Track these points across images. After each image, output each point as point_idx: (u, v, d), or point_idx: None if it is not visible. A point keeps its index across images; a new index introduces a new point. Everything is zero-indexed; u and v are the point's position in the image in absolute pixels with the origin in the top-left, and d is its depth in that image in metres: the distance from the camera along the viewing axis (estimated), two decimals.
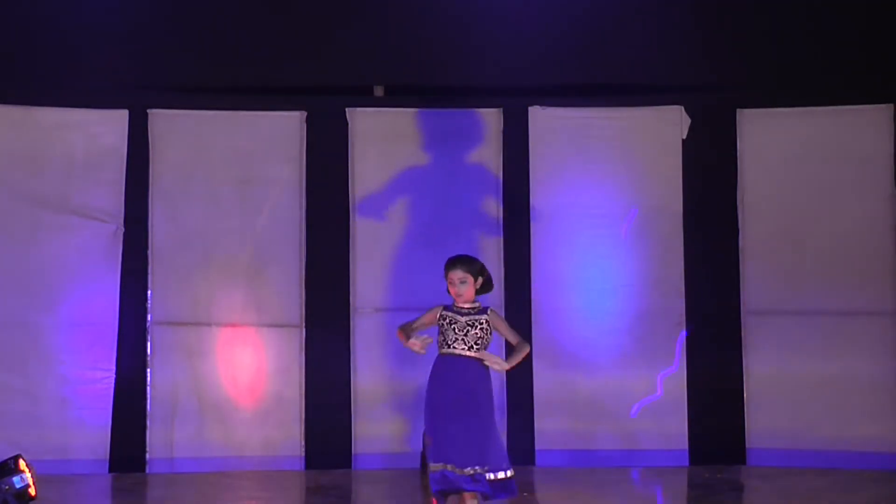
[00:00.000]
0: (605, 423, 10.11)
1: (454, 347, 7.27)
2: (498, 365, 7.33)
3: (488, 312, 7.37)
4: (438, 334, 7.35)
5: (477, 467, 7.12)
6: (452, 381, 7.24)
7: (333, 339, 10.11)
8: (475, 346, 7.27)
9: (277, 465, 10.00)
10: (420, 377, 10.02)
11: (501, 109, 10.34)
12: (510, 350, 7.43)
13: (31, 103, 10.03)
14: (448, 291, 7.39)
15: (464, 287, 7.34)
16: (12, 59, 9.94)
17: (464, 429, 7.13)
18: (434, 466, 7.16)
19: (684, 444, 10.07)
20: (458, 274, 7.38)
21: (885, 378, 9.93)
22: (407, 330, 7.38)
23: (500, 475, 7.21)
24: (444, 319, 7.32)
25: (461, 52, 10.26)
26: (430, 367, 7.32)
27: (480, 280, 7.43)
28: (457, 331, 7.28)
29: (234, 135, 10.23)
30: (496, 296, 10.16)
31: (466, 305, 7.34)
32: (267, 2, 10.26)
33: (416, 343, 7.23)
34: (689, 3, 10.25)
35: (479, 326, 7.26)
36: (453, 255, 7.52)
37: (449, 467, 7.11)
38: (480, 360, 7.28)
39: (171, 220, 10.14)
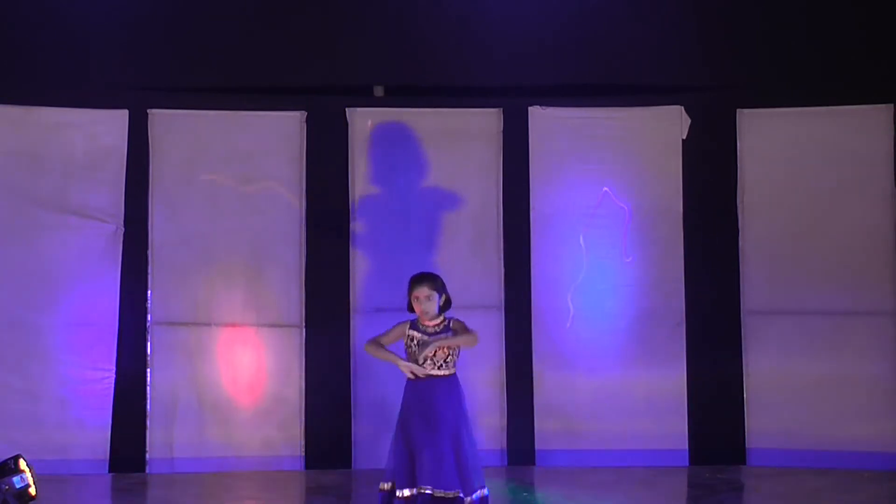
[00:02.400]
0: (605, 423, 10.10)
1: (424, 369, 7.30)
2: (412, 370, 7.32)
3: (451, 325, 7.39)
4: (406, 353, 7.38)
5: (459, 491, 7.15)
6: (425, 406, 7.27)
7: (333, 339, 10.11)
8: (444, 364, 7.32)
9: (277, 465, 10.00)
10: None
11: (501, 109, 10.34)
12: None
13: (31, 103, 10.02)
14: (411, 309, 7.41)
15: (429, 304, 7.35)
16: (12, 59, 9.95)
17: (439, 452, 7.17)
18: (405, 492, 7.18)
19: (684, 444, 10.07)
20: (423, 291, 7.38)
21: (885, 378, 9.93)
22: (377, 345, 7.40)
23: (476, 495, 7.24)
24: (412, 340, 7.35)
25: (461, 52, 10.26)
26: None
27: (444, 297, 7.43)
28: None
29: (234, 135, 10.23)
30: (496, 296, 10.18)
31: (432, 323, 7.36)
32: (267, 2, 10.26)
33: (408, 366, 7.27)
34: (689, 3, 10.25)
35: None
36: (416, 272, 7.56)
37: (427, 489, 7.12)
38: (450, 375, 7.33)
39: (171, 220, 10.14)
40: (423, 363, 7.31)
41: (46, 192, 9.98)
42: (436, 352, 7.30)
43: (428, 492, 7.15)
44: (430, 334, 7.35)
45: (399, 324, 7.46)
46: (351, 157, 10.27)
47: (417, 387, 7.35)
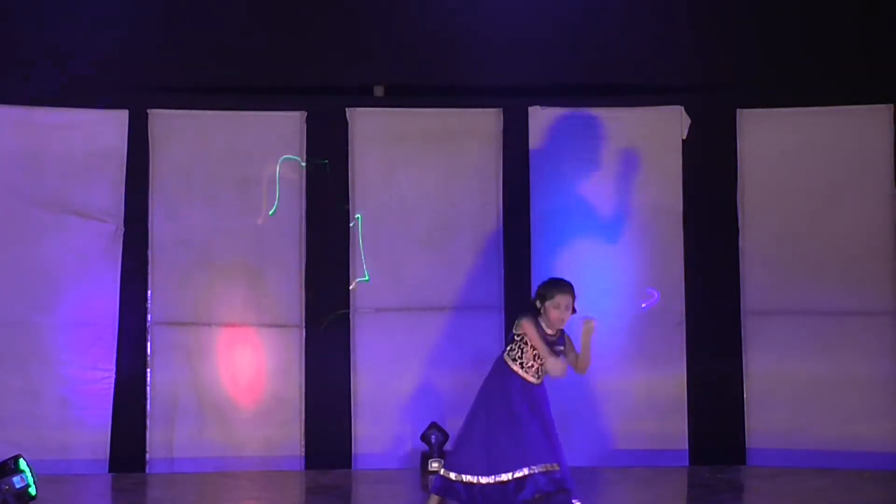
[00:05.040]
0: (606, 423, 10.10)
1: (540, 378, 7.23)
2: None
3: (566, 341, 7.27)
4: (529, 352, 7.15)
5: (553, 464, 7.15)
6: (537, 407, 7.21)
7: (333, 339, 10.11)
8: (539, 375, 7.29)
9: (277, 465, 10.00)
10: (420, 376, 10.08)
11: (501, 109, 10.34)
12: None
13: (31, 103, 10.02)
14: (545, 314, 7.15)
15: (568, 315, 7.16)
16: (13, 59, 9.95)
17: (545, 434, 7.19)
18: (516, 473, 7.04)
19: (684, 444, 10.07)
20: (570, 300, 7.19)
21: (885, 378, 9.93)
22: (554, 355, 7.17)
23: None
24: (546, 343, 7.13)
25: (461, 52, 10.26)
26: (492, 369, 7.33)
27: None
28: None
29: (234, 135, 10.23)
30: (496, 295, 10.17)
31: (551, 331, 7.19)
32: (267, 2, 10.26)
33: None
34: (688, 3, 10.25)
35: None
36: (556, 277, 7.38)
37: (555, 466, 7.12)
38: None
39: (171, 220, 10.14)
40: (535, 369, 7.17)
41: (47, 192, 9.98)
42: (542, 364, 7.15)
43: (537, 471, 7.08)
44: (550, 343, 7.15)
45: (531, 325, 7.11)
46: (351, 156, 10.27)
47: (536, 393, 7.24)
